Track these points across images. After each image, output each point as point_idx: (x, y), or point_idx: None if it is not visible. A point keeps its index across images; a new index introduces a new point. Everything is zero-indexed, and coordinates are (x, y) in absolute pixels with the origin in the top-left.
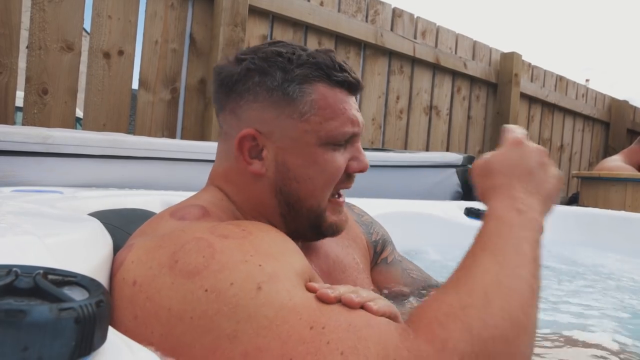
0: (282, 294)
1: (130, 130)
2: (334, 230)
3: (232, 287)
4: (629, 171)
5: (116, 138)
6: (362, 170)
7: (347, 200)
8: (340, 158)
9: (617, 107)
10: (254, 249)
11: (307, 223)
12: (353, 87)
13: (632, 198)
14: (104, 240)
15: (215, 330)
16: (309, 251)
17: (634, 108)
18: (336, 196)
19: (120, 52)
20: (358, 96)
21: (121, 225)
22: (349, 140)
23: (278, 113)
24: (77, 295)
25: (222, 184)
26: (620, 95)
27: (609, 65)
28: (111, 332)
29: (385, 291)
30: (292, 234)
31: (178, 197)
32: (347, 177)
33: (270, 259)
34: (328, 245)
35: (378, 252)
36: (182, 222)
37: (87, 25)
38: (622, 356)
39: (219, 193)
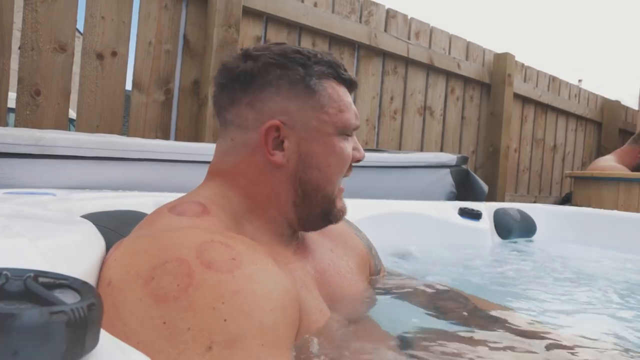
0: None
1: (124, 131)
2: (340, 216)
3: (187, 332)
4: (621, 171)
5: (109, 139)
6: (361, 159)
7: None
8: (349, 147)
9: (609, 107)
10: (230, 294)
11: (319, 210)
12: (354, 85)
13: (625, 197)
14: (96, 243)
15: None
16: (305, 253)
17: (626, 108)
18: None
19: (114, 53)
20: (353, 96)
21: (114, 227)
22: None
23: (301, 105)
24: (69, 298)
25: (227, 179)
26: (610, 97)
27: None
28: (103, 335)
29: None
30: (301, 222)
31: (171, 198)
32: (349, 165)
33: (240, 316)
34: (323, 250)
35: (377, 272)
36: (181, 218)
37: (80, 26)
38: (615, 352)
39: (221, 189)
